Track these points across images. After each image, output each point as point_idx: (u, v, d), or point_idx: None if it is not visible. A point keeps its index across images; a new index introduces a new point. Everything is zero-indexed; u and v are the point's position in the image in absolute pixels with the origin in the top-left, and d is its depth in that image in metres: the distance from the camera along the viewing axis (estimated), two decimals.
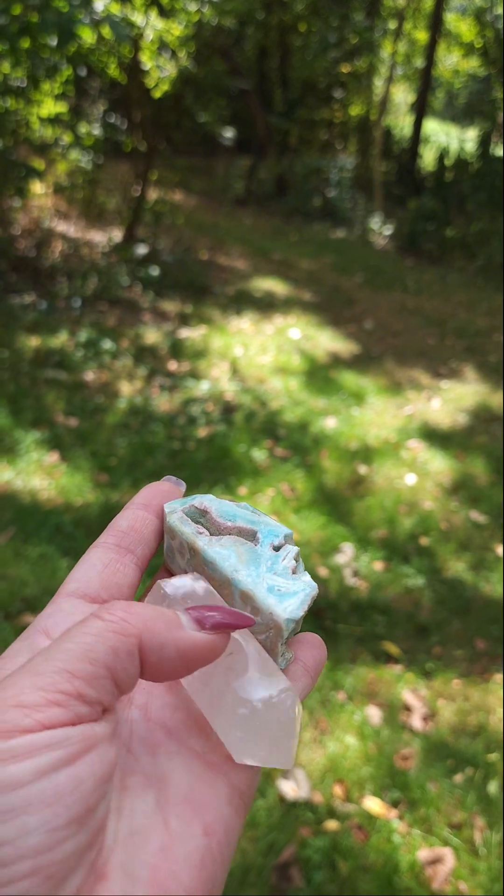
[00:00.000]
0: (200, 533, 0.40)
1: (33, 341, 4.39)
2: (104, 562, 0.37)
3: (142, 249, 5.99)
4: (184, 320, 5.33)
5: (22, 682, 0.27)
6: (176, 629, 0.31)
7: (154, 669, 0.31)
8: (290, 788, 2.01)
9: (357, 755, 2.13)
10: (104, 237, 6.36)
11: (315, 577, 2.81)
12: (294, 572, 0.38)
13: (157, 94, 6.16)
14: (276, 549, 0.39)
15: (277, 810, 1.94)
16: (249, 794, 0.33)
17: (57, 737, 0.26)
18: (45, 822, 0.25)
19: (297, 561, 0.39)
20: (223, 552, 0.38)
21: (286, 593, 0.37)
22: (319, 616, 2.62)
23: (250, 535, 0.40)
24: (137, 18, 5.47)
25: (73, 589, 0.35)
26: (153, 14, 5.51)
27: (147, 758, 0.32)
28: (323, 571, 2.86)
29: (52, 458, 3.27)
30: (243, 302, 5.94)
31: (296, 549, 0.39)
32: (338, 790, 2.03)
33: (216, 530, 0.40)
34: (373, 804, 2.00)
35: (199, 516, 0.41)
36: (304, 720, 2.22)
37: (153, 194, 6.18)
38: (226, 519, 0.40)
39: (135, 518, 0.40)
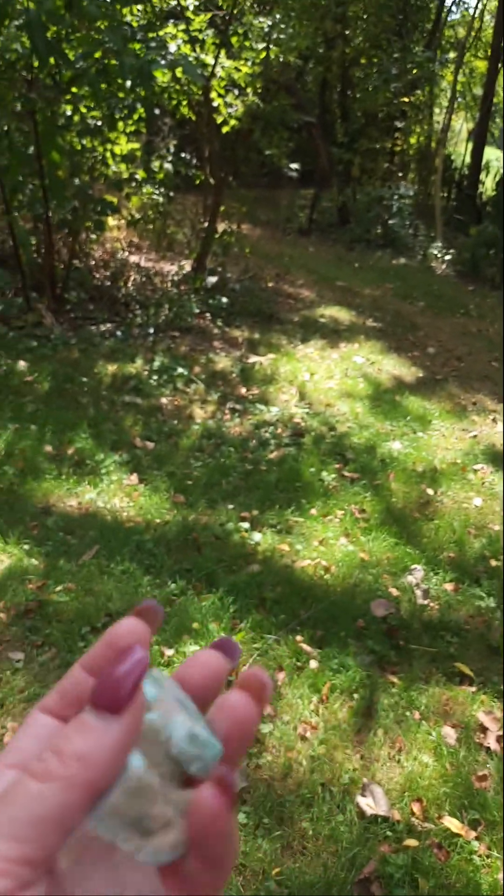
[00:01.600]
0: None
1: (111, 367, 4.57)
2: (49, 730, 0.32)
3: (211, 278, 6.16)
4: (252, 347, 5.45)
5: None
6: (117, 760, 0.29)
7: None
8: (367, 804, 2.04)
9: (434, 774, 2.15)
10: (174, 267, 6.56)
11: (387, 596, 2.85)
12: None
13: (226, 130, 6.37)
14: None
15: (357, 826, 1.97)
16: None
17: None
18: None
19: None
20: None
21: None
22: (392, 635, 2.65)
23: None
24: (208, 58, 5.70)
25: (12, 761, 0.31)
26: (222, 53, 5.72)
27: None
28: (394, 592, 2.89)
29: (132, 479, 3.40)
30: (309, 328, 6.04)
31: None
32: (416, 808, 2.05)
33: None
34: (451, 824, 2.01)
35: None
36: (379, 739, 2.25)
37: (221, 226, 6.37)
38: None
39: (82, 687, 0.32)
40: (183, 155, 6.84)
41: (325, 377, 5.06)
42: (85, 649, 2.34)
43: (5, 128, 4.29)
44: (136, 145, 5.71)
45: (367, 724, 2.30)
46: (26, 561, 2.69)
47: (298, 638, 2.56)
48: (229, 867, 0.31)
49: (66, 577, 2.64)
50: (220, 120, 6.30)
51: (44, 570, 2.67)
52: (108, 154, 5.39)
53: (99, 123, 5.04)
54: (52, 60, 3.84)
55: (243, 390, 4.68)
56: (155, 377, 4.55)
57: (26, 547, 2.77)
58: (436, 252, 9.51)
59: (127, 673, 0.29)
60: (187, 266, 6.51)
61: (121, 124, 5.28)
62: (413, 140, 11.71)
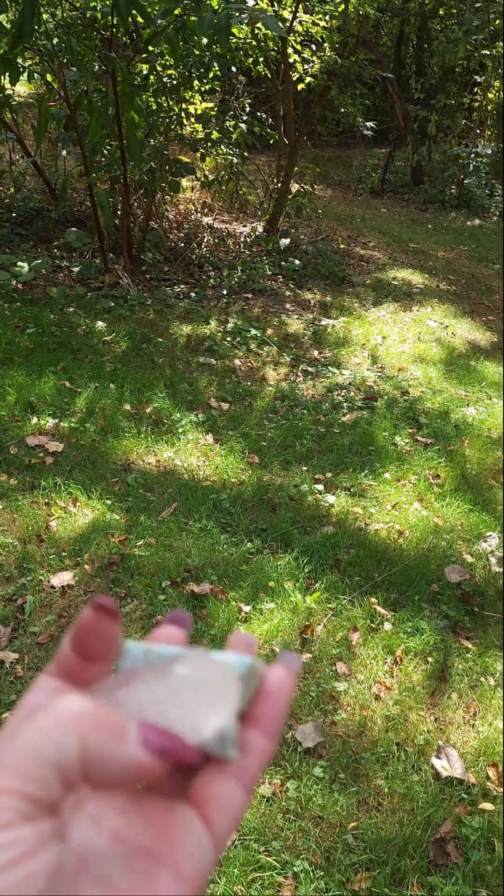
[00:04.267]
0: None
1: (186, 328, 4.60)
2: (53, 687, 0.33)
3: (284, 240, 6.10)
4: (324, 309, 5.40)
5: None
6: (120, 742, 0.30)
7: (94, 777, 0.30)
8: (442, 766, 2.06)
9: None
10: (247, 229, 6.52)
11: (461, 562, 2.82)
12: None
13: (302, 87, 6.24)
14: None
15: (432, 787, 1.99)
16: (197, 880, 0.32)
17: (6, 837, 0.27)
18: None
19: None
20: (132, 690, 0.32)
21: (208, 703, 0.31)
22: (467, 601, 2.64)
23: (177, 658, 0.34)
24: (285, 13, 5.57)
25: (24, 714, 0.32)
26: (300, 8, 5.59)
27: (95, 862, 0.31)
28: (468, 558, 2.87)
29: (208, 439, 3.44)
30: (381, 291, 5.95)
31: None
32: (491, 773, 2.06)
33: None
34: None
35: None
36: (454, 702, 2.26)
37: (294, 187, 6.28)
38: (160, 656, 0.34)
39: (71, 661, 0.34)
40: (258, 114, 6.74)
41: (397, 341, 4.99)
42: (165, 602, 2.41)
43: (84, 88, 4.30)
44: (211, 105, 5.65)
45: (441, 688, 2.30)
46: (109, 516, 2.77)
47: (373, 600, 2.57)
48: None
49: (147, 533, 2.71)
50: (296, 77, 6.17)
51: (125, 525, 2.74)
52: (184, 114, 5.35)
53: (175, 82, 5.00)
54: (136, 18, 3.81)
55: (316, 353, 4.66)
56: (229, 339, 4.56)
57: (108, 502, 2.84)
58: None
59: (169, 745, 0.31)
60: (260, 228, 6.46)
61: (196, 83, 5.22)
62: (492, 95, 11.26)
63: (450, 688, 2.30)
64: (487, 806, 1.96)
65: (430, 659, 2.38)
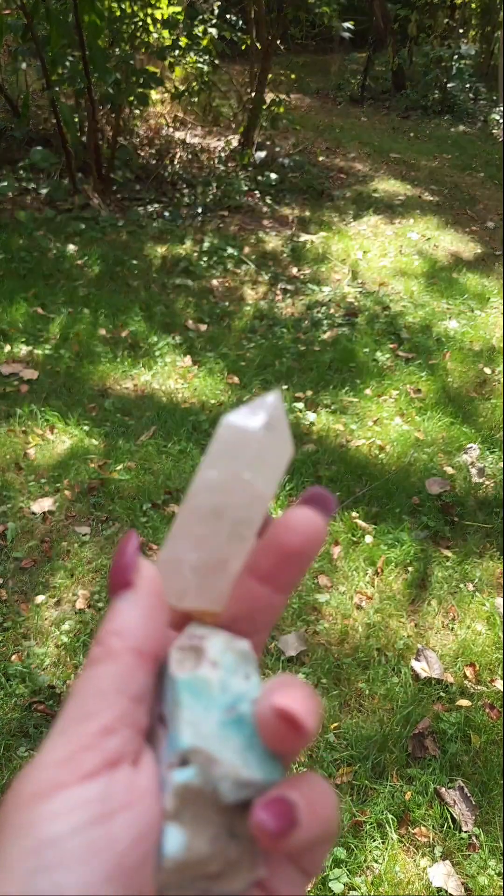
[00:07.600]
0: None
1: (160, 249, 4.49)
2: None
3: (259, 154, 5.90)
4: (303, 225, 5.27)
5: (52, 742, 0.28)
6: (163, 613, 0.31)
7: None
8: (421, 668, 2.13)
9: (487, 642, 2.21)
10: (221, 143, 6.30)
11: (442, 475, 2.85)
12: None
13: None
14: (171, 765, 0.28)
15: (411, 687, 2.06)
16: None
17: (93, 791, 0.26)
18: (80, 879, 0.25)
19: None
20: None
21: None
22: (447, 512, 2.67)
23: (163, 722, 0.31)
24: None
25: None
26: None
27: None
28: (449, 470, 2.90)
29: (186, 361, 3.41)
30: (361, 204, 5.80)
31: (178, 781, 0.28)
32: (469, 672, 2.13)
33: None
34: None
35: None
36: (433, 608, 2.32)
37: (269, 96, 6.02)
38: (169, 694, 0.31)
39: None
40: (228, 17, 6.39)
41: (378, 255, 4.90)
42: (147, 524, 2.43)
43: None
44: (178, 9, 5.36)
45: (421, 595, 2.36)
46: (87, 441, 2.76)
47: (354, 514, 2.60)
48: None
49: (126, 457, 2.71)
50: None
51: (104, 450, 2.74)
52: (149, 19, 5.08)
53: None
54: None
55: (294, 270, 4.58)
56: (205, 258, 4.46)
57: (86, 428, 2.84)
58: (498, 117, 8.89)
59: (122, 554, 0.31)
60: (234, 141, 6.24)
61: None
62: None
63: (429, 595, 2.36)
64: (465, 702, 2.04)
65: (410, 568, 2.42)
